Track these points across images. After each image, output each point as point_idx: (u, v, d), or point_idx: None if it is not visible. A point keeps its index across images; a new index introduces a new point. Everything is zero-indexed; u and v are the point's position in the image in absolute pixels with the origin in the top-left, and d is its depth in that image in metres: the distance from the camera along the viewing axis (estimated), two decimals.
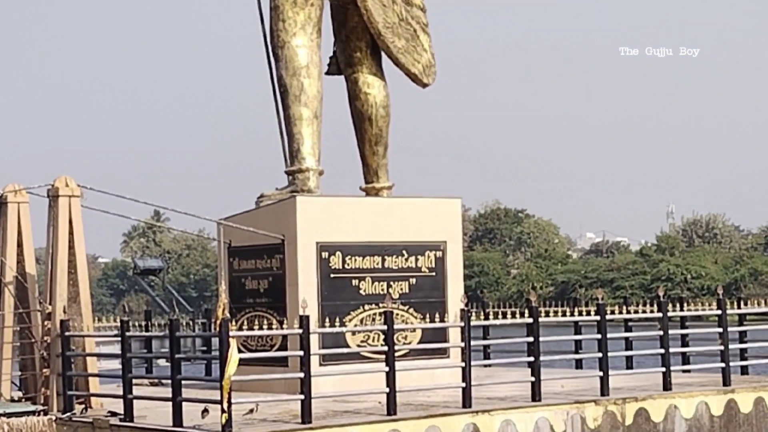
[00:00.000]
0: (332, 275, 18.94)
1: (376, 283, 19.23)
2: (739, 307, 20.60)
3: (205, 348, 23.32)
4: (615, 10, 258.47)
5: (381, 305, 18.17)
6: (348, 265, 19.08)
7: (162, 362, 20.30)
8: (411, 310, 19.32)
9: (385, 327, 16.70)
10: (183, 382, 16.01)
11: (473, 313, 18.15)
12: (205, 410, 15.91)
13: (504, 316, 18.77)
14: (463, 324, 17.48)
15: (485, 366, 20.82)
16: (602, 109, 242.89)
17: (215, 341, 16.50)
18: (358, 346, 18.58)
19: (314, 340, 16.65)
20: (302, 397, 15.65)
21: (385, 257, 19.40)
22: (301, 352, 15.92)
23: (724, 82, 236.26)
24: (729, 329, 19.70)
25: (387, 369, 16.41)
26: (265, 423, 15.73)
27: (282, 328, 17.98)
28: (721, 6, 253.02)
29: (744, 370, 20.58)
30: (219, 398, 15.10)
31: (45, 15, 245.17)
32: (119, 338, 17.27)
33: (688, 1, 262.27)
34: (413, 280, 19.59)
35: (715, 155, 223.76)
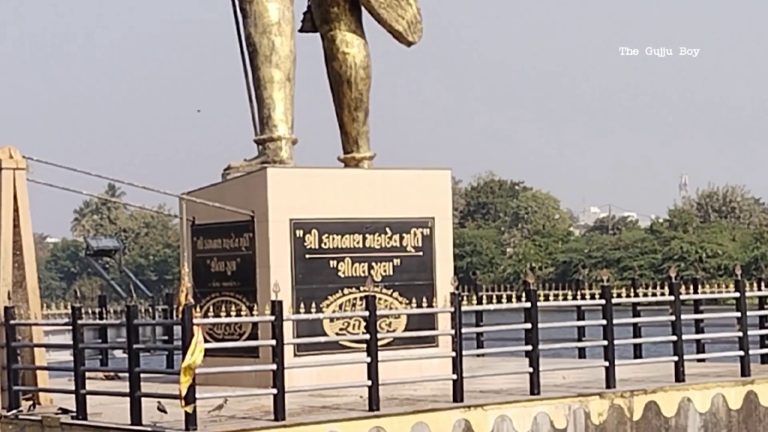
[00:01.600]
0: (308, 256, 18.96)
1: (357, 265, 19.27)
2: (759, 289, 20.66)
3: (166, 337, 23.35)
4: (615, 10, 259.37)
5: (362, 289, 18.21)
6: (325, 244, 19.11)
7: (118, 353, 20.31)
8: (395, 294, 19.37)
9: (366, 313, 16.69)
10: (142, 375, 15.96)
11: (465, 297, 18.19)
12: (162, 409, 15.99)
13: (499, 300, 18.73)
14: (453, 309, 17.47)
15: (478, 356, 20.88)
16: (607, 70, 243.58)
17: (177, 330, 16.55)
18: (337, 334, 18.64)
19: (288, 328, 16.66)
20: (275, 391, 15.66)
21: (367, 235, 19.43)
22: (274, 342, 15.94)
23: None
24: (748, 314, 19.78)
25: (369, 360, 16.44)
26: (234, 420, 15.74)
27: (252, 315, 18.01)
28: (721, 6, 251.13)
29: (765, 359, 20.67)
30: (180, 395, 15.17)
31: None
32: (70, 327, 17.24)
33: (688, 1, 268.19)
34: (398, 261, 19.63)
35: (732, 121, 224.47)
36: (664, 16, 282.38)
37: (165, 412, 15.79)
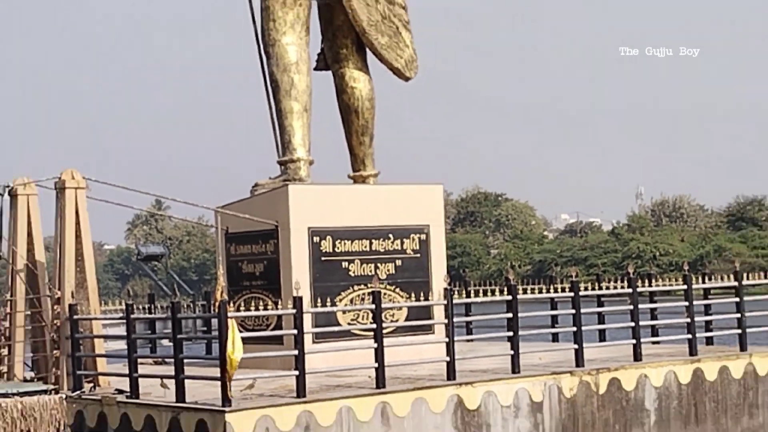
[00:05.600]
0: (323, 258, 18.94)
1: (365, 265, 19.24)
2: (704, 282, 20.64)
3: (205, 328, 23.29)
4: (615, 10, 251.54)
5: (369, 286, 18.17)
6: (338, 248, 19.08)
7: (165, 342, 20.31)
8: (397, 290, 19.34)
9: (373, 306, 16.73)
10: (185, 360, 16.04)
11: (456, 292, 18.21)
12: (164, 386, 16.13)
13: (485, 293, 18.78)
14: (446, 302, 17.50)
15: (468, 341, 20.84)
16: (575, 96, 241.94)
17: (215, 322, 16.53)
18: (349, 324, 18.59)
19: (307, 320, 16.65)
20: (297, 372, 15.69)
21: (373, 240, 19.41)
22: (295, 331, 15.96)
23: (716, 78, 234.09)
24: (695, 303, 19.76)
25: (375, 345, 16.45)
26: (262, 398, 15.76)
27: (277, 309, 17.98)
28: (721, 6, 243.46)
29: (709, 341, 20.65)
30: (219, 375, 15.20)
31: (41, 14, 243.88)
32: (124, 320, 17.26)
33: (688, 1, 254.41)
34: (399, 262, 19.60)
35: (681, 138, 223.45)
36: (664, 16, 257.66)
37: (167, 387, 15.85)
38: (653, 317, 20.22)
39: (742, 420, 19.49)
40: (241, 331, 15.75)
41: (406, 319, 18.88)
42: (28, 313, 17.95)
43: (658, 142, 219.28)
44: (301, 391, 15.59)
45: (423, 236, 19.89)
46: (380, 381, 16.26)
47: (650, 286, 20.39)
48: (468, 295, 19.28)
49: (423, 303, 18.49)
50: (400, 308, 18.94)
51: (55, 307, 17.39)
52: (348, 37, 20.51)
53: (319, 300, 18.11)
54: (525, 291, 18.57)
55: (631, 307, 19.11)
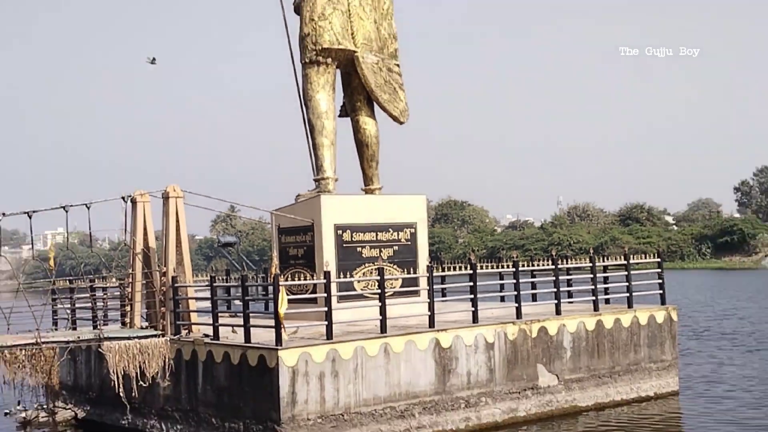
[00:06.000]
0: (344, 245, 18.94)
1: (372, 250, 19.24)
2: (603, 261, 20.64)
3: (264, 293, 23.31)
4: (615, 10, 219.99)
5: (376, 264, 18.19)
6: (354, 238, 19.09)
7: (236, 302, 20.32)
8: (395, 267, 19.33)
9: (378, 277, 16.76)
10: (250, 314, 16.06)
11: (434, 268, 18.20)
12: (234, 331, 16.38)
13: (454, 269, 18.76)
14: (428, 275, 17.59)
15: (442, 301, 20.82)
16: (517, 131, 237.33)
17: (270, 288, 16.57)
18: (362, 290, 18.60)
19: (333, 287, 16.70)
20: (326, 323, 15.75)
21: (378, 233, 19.41)
22: (325, 295, 16.02)
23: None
24: (597, 275, 19.77)
25: (380, 304, 16.50)
26: (303, 339, 15.80)
27: (313, 279, 18.05)
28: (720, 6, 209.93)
29: (607, 301, 20.63)
30: (273, 325, 15.23)
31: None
32: (209, 287, 17.38)
33: (688, 1, 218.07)
34: (396, 247, 19.59)
35: (586, 158, 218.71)
36: (664, 16, 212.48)
37: (236, 333, 15.93)
38: (569, 285, 20.21)
39: (629, 355, 19.51)
40: (288, 295, 15.81)
41: (401, 287, 18.87)
42: (144, 282, 17.98)
43: (572, 163, 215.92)
44: (329, 335, 15.65)
45: (412, 230, 19.90)
46: (383, 328, 16.30)
47: (567, 263, 20.38)
48: (443, 270, 19.24)
49: (412, 276, 18.51)
50: (397, 279, 18.93)
51: (162, 278, 17.42)
52: (361, 94, 20.52)
53: (341, 273, 18.22)
54: (481, 267, 18.56)
55: (554, 278, 19.12)
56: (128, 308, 18.20)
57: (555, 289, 19.02)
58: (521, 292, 18.55)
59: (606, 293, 20.33)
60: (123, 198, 17.83)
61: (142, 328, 17.81)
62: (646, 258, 22.38)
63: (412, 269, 18.90)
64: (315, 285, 18.02)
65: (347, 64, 20.11)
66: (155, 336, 17.01)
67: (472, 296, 17.76)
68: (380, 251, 19.22)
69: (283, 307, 15.15)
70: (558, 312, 18.85)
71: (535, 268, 19.95)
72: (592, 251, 20.66)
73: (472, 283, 17.85)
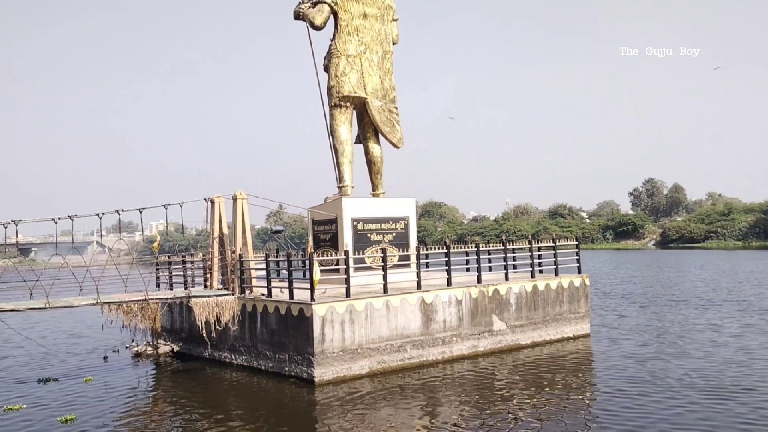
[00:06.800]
0: (358, 232, 18.87)
1: (378, 235, 19.18)
2: (537, 243, 20.61)
3: (303, 265, 23.23)
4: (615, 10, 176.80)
5: (380, 245, 18.18)
6: (365, 227, 19.03)
7: (284, 272, 20.33)
8: (393, 247, 19.30)
9: (382, 255, 16.74)
10: (293, 280, 16.03)
11: (420, 248, 18.16)
12: (282, 291, 16.25)
13: (435, 249, 18.73)
14: (416, 253, 17.54)
15: (426, 271, 20.83)
16: (483, 146, 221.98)
17: (307, 262, 16.56)
18: (371, 263, 18.59)
19: (351, 261, 16.67)
20: (346, 286, 15.73)
21: (382, 224, 19.34)
22: (345, 266, 16.00)
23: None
24: (534, 253, 19.73)
25: (383, 273, 16.48)
26: (330, 297, 15.74)
27: (337, 256, 18.00)
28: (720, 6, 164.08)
29: (540, 271, 20.57)
30: (309, 287, 15.20)
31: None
32: (265, 261, 17.34)
33: (688, 1, 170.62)
34: (394, 234, 19.53)
35: (526, 162, 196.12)
36: (665, 16, 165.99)
37: (283, 292, 15.74)
38: (514, 260, 20.18)
39: (556, 308, 19.46)
40: (320, 267, 15.77)
41: (398, 261, 18.87)
42: (219, 257, 17.98)
43: (520, 171, 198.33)
44: (347, 294, 15.63)
45: (405, 222, 19.84)
46: (385, 290, 16.27)
47: (512, 246, 20.33)
48: (426, 250, 19.22)
49: (405, 254, 18.49)
50: (395, 256, 18.94)
51: (232, 255, 17.41)
52: (370, 127, 20.42)
53: (356, 252, 18.16)
54: (454, 248, 18.53)
55: (504, 255, 19.08)
56: (209, 275, 18.20)
57: (504, 263, 18.98)
58: (481, 266, 18.51)
59: (540, 266, 20.31)
60: (205, 199, 17.81)
61: (218, 289, 17.82)
62: (567, 242, 22.38)
63: (405, 249, 18.88)
64: (338, 260, 18.00)
65: (360, 107, 20.03)
66: (227, 295, 17.02)
67: (447, 268, 17.71)
68: (383, 236, 19.18)
69: (317, 276, 15.16)
70: (506, 279, 18.82)
71: (491, 248, 19.90)
72: (530, 237, 20.58)
73: (447, 259, 17.81)
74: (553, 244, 20.24)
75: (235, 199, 17.53)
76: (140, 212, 16.52)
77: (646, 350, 17.68)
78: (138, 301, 16.46)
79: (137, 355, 19.15)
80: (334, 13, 19.56)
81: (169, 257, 21.09)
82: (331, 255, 18.09)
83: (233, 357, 17.28)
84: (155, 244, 19.91)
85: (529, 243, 19.87)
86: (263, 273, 17.56)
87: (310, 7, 19.54)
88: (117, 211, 16.15)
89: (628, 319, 23.11)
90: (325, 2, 19.34)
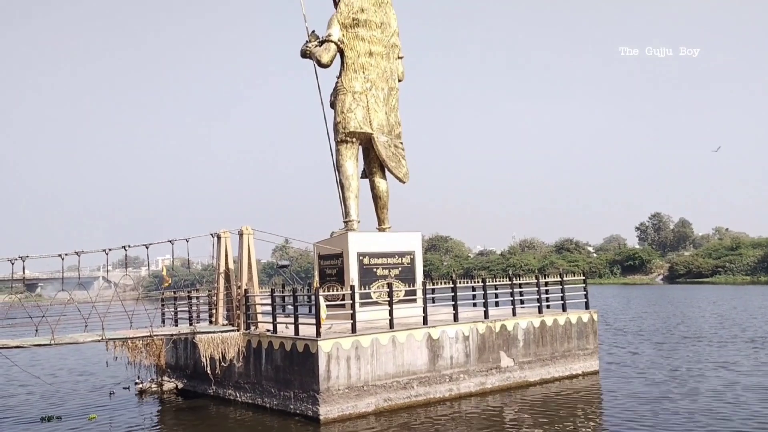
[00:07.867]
0: (364, 267, 18.84)
1: (384, 270, 19.16)
2: (544, 278, 20.47)
3: (309, 300, 23.19)
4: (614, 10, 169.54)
5: (386, 280, 18.12)
6: (371, 262, 19.01)
7: (289, 307, 20.22)
8: (399, 282, 19.23)
9: (388, 289, 16.67)
10: (299, 315, 15.94)
11: (427, 283, 18.08)
12: (287, 327, 15.92)
13: (441, 284, 18.65)
14: (422, 288, 17.44)
15: (433, 306, 20.70)
16: (488, 179, 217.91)
17: (314, 298, 16.48)
18: (376, 298, 18.50)
19: (357, 296, 16.61)
20: (351, 321, 15.63)
21: (388, 258, 19.31)
22: (351, 301, 15.92)
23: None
24: (541, 288, 19.60)
25: (389, 308, 16.38)
26: (335, 333, 15.62)
27: (342, 291, 17.94)
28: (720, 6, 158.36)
29: (548, 306, 20.39)
30: (314, 323, 15.10)
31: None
32: (270, 296, 17.27)
33: (688, 1, 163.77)
34: (400, 268, 19.48)
35: (533, 200, 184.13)
36: (664, 16, 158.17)
37: (288, 329, 15.64)
38: (521, 295, 20.04)
39: (564, 344, 19.23)
40: (326, 302, 15.71)
41: (404, 296, 18.78)
42: (225, 293, 17.92)
43: (522, 208, 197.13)
44: (353, 330, 15.52)
45: (411, 256, 19.80)
46: (391, 325, 16.16)
47: (519, 280, 20.22)
48: (433, 285, 19.13)
49: (411, 289, 18.41)
50: (401, 290, 18.85)
51: (238, 290, 17.37)
52: (376, 162, 20.53)
53: (362, 286, 18.09)
54: (460, 283, 18.44)
55: (510, 290, 18.96)
56: (214, 311, 18.13)
57: (511, 298, 18.86)
58: (488, 300, 18.38)
59: (547, 301, 20.13)
60: (211, 234, 17.86)
61: (223, 325, 17.72)
62: (574, 276, 22.20)
63: (411, 284, 18.79)
64: (344, 295, 17.92)
65: (366, 142, 20.17)
66: (232, 330, 16.91)
67: (454, 303, 17.61)
68: (389, 271, 19.13)
69: (324, 314, 15.07)
70: (514, 314, 18.68)
71: (497, 283, 19.81)
72: (537, 272, 20.48)
73: (453, 294, 17.71)
74: (561, 279, 20.10)
75: (241, 234, 17.56)
76: (147, 248, 16.55)
77: (656, 389, 17.34)
78: (143, 337, 16.37)
79: (141, 392, 18.97)
80: (341, 52, 19.91)
81: (174, 293, 21.07)
82: (337, 290, 18.00)
83: (237, 394, 17.07)
84: (167, 278, 19.94)
85: (537, 278, 19.75)
86: (269, 308, 17.44)
87: (317, 46, 19.89)
88: (124, 247, 16.20)
89: (641, 357, 22.70)
90: (332, 41, 19.70)
